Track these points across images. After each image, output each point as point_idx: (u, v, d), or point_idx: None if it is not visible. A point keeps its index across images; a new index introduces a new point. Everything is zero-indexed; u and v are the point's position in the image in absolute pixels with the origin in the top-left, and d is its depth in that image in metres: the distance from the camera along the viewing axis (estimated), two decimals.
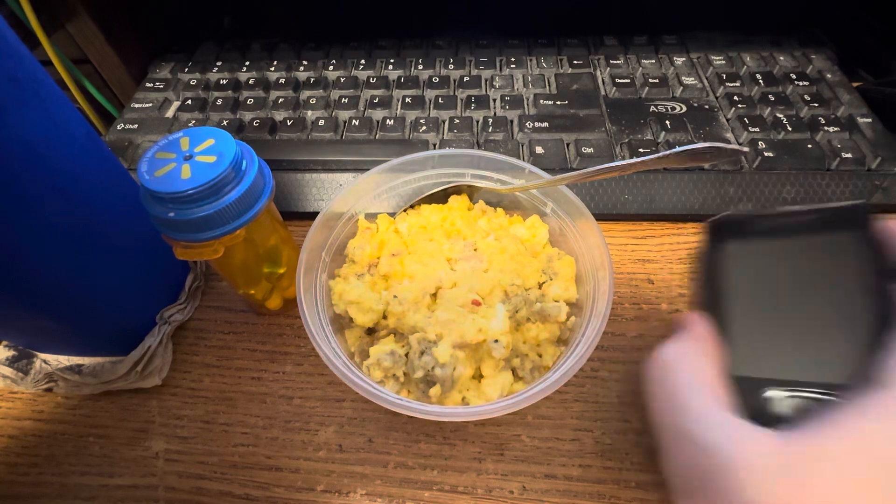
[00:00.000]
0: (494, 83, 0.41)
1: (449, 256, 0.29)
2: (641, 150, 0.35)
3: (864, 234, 0.18)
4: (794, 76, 0.39)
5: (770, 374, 0.18)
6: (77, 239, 0.24)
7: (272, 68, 0.43)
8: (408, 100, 0.40)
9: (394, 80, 0.42)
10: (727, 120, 0.37)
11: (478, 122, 0.38)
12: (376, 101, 0.40)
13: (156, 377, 0.28)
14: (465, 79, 0.41)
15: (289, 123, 0.39)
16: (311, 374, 0.29)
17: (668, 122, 0.36)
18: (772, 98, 0.37)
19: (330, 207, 0.28)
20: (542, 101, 0.39)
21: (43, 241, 0.23)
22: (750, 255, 0.19)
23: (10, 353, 0.29)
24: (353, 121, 0.38)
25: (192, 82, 0.43)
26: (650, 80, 0.40)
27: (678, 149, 0.22)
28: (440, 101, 0.39)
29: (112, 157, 0.27)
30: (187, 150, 0.22)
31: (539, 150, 0.36)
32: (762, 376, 0.18)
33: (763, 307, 0.18)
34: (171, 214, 0.22)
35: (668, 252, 0.33)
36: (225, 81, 0.42)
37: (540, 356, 0.26)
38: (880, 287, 0.17)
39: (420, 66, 0.43)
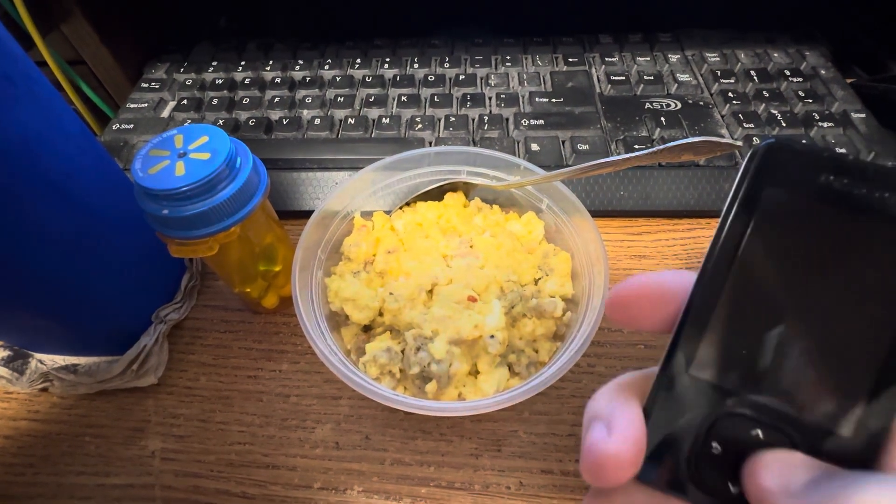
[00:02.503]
0: (490, 81, 0.41)
1: (445, 253, 0.29)
2: (637, 146, 0.35)
3: None
4: (788, 73, 0.39)
5: (735, 388, 0.13)
6: (71, 237, 0.24)
7: (268, 68, 0.43)
8: (403, 98, 0.40)
9: (389, 79, 0.42)
10: (722, 116, 0.37)
11: (473, 119, 0.38)
12: (372, 99, 0.40)
13: (151, 376, 0.28)
14: (461, 77, 0.41)
15: (284, 123, 0.39)
16: (307, 372, 0.29)
17: (663, 118, 0.37)
18: (766, 94, 0.38)
19: (325, 205, 0.28)
20: (537, 99, 0.39)
21: (37, 240, 0.23)
22: (787, 214, 0.12)
23: (6, 353, 0.29)
24: (349, 119, 0.38)
25: (188, 82, 0.43)
26: (645, 77, 0.40)
27: (672, 143, 0.22)
28: (436, 99, 0.39)
29: (107, 155, 0.27)
30: (181, 148, 0.22)
31: (535, 147, 0.36)
32: (724, 386, 0.13)
33: (774, 295, 0.13)
34: (166, 212, 0.22)
35: (664, 248, 0.33)
36: (220, 81, 0.42)
37: (536, 352, 0.26)
38: None
39: (416, 65, 0.43)
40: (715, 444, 0.13)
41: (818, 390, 0.12)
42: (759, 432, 0.12)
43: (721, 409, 0.13)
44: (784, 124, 0.35)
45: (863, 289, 0.12)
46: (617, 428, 0.13)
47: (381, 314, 0.27)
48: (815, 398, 0.12)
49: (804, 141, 0.35)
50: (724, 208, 0.13)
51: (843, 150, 0.34)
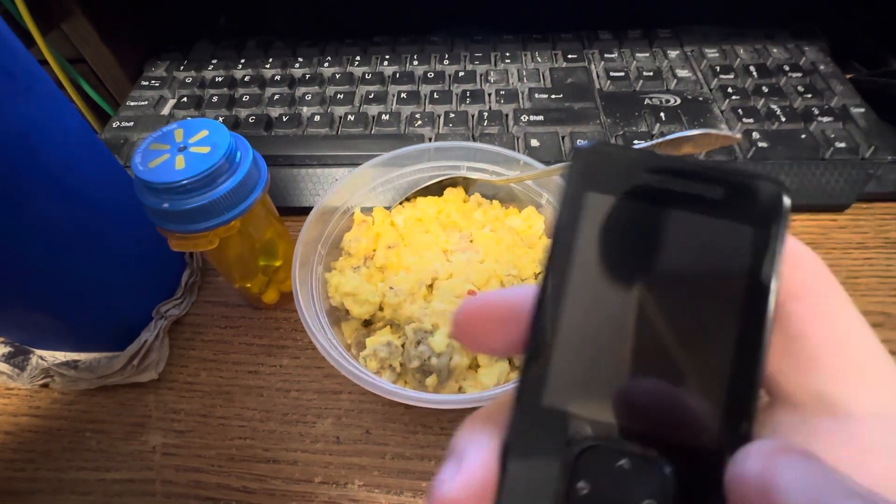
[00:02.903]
0: (489, 78, 0.41)
1: (445, 248, 0.29)
2: (636, 141, 0.35)
3: (771, 237, 0.11)
4: (787, 68, 0.39)
5: (592, 415, 0.11)
6: (72, 233, 0.24)
7: (267, 65, 0.43)
8: (403, 95, 0.40)
9: (389, 76, 0.42)
10: (721, 111, 0.37)
11: (473, 116, 0.38)
12: (371, 96, 0.40)
13: (152, 371, 0.28)
14: (460, 74, 0.41)
15: (284, 119, 0.39)
16: (307, 367, 0.29)
17: (662, 114, 0.37)
18: (765, 89, 0.38)
19: (325, 201, 0.28)
20: (536, 95, 0.39)
21: (37, 235, 0.23)
22: (613, 219, 0.12)
23: (7, 349, 0.29)
24: (349, 116, 0.38)
25: (188, 80, 0.43)
26: (644, 73, 0.40)
27: (671, 136, 0.22)
28: (435, 95, 0.40)
29: (106, 150, 0.27)
30: (181, 142, 0.23)
31: (534, 142, 0.36)
32: (581, 414, 0.11)
33: (613, 306, 0.11)
34: (166, 205, 0.22)
35: None
36: (220, 79, 0.42)
37: None
38: (755, 323, 0.11)
39: (415, 62, 0.43)
40: (582, 484, 0.11)
41: (673, 403, 0.11)
42: (625, 462, 0.11)
43: (582, 441, 0.11)
44: (783, 119, 0.35)
45: (697, 288, 0.11)
46: (463, 468, 0.11)
47: (381, 309, 0.27)
48: (672, 412, 0.11)
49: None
50: (554, 218, 0.12)
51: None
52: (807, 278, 0.11)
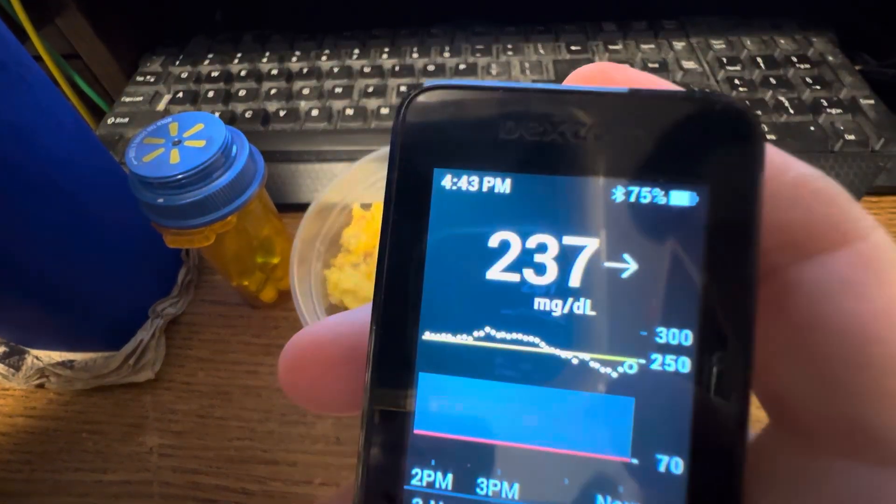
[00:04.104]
0: (491, 70, 0.40)
1: None
2: None
3: (741, 185, 0.08)
4: (795, 59, 0.38)
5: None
6: (66, 229, 0.24)
7: (264, 59, 0.43)
8: (403, 88, 0.39)
9: (388, 69, 0.41)
10: None
11: None
12: (370, 90, 0.39)
13: (148, 371, 0.28)
14: (462, 66, 0.40)
15: (282, 114, 0.38)
16: None
17: None
18: (773, 81, 0.37)
19: (324, 197, 0.28)
20: None
21: (30, 231, 0.22)
22: (480, 200, 0.08)
23: (2, 349, 0.28)
24: (347, 110, 0.38)
25: (184, 75, 0.42)
26: (650, 64, 0.39)
27: None
28: None
29: (101, 145, 0.26)
30: (176, 136, 0.22)
31: None
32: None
33: (483, 332, 0.08)
34: (161, 200, 0.21)
35: None
36: (216, 74, 0.42)
37: None
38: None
39: (415, 55, 0.42)
40: None
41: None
42: None
43: None
44: (791, 111, 0.35)
45: (623, 294, 0.08)
46: None
47: None
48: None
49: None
50: (384, 204, 0.09)
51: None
52: (823, 223, 0.07)
